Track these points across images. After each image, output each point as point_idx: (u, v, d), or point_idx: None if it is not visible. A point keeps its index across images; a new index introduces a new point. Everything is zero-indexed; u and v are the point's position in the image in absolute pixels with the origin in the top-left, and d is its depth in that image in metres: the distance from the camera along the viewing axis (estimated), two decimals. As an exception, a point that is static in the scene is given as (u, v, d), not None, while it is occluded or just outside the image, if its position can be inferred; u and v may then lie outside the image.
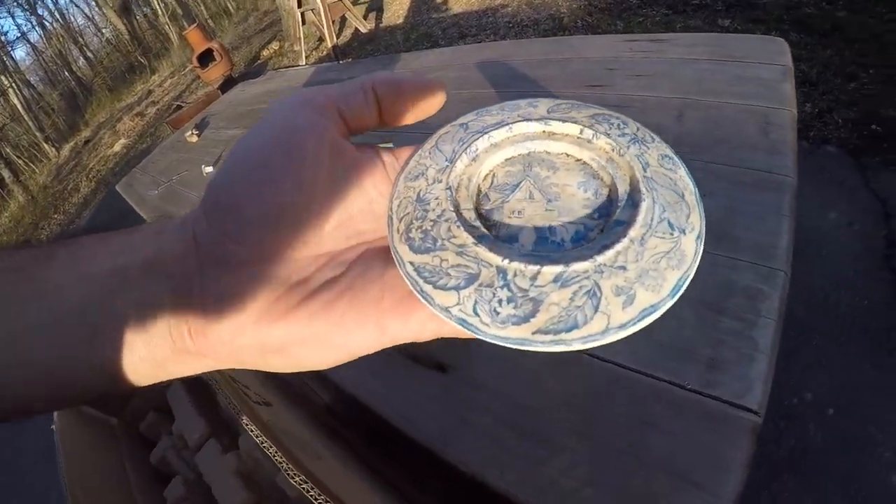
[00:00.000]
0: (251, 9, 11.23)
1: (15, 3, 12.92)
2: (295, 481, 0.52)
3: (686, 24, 3.03)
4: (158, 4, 12.86)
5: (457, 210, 0.22)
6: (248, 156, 0.23)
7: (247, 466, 0.80)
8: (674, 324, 0.67)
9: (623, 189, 0.22)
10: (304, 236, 0.23)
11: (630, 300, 0.18)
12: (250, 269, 0.22)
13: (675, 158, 0.23)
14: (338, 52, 5.00)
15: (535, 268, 0.19)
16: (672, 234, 0.20)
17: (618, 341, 0.18)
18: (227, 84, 4.27)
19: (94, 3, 13.58)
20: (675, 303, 0.19)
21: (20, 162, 11.02)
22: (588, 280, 0.19)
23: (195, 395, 1.01)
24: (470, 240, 0.21)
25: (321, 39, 5.52)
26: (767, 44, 1.12)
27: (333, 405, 0.90)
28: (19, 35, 13.28)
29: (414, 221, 0.22)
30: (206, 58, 5.53)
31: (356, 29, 5.49)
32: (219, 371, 0.75)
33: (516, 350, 0.19)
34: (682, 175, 0.22)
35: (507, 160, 0.25)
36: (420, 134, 0.28)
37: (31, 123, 11.86)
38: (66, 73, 13.48)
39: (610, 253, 0.19)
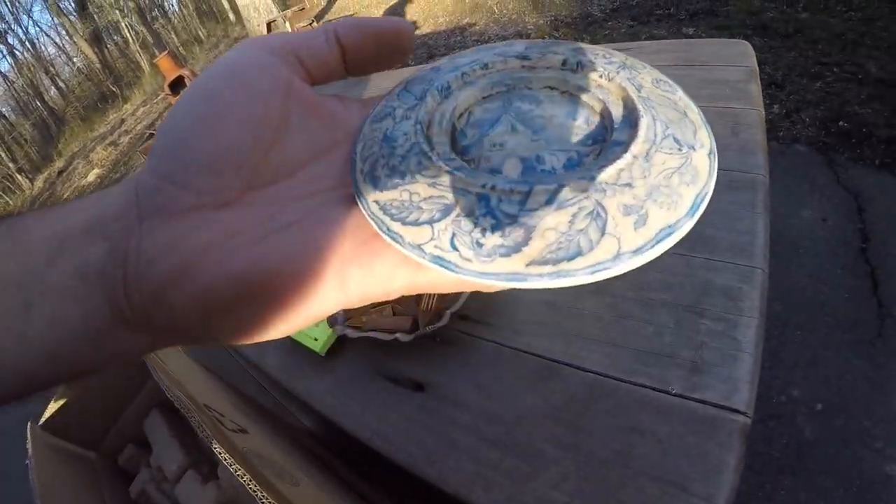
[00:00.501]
0: (222, 36, 11.27)
1: (-17, 34, 12.79)
2: (270, 511, 0.50)
3: (651, 34, 3.09)
4: (129, 33, 12.81)
5: (428, 143, 0.19)
6: (196, 91, 0.21)
7: (227, 495, 0.77)
8: (652, 329, 0.66)
9: (617, 112, 0.19)
10: (249, 181, 0.20)
11: (643, 220, 0.15)
12: (192, 214, 0.19)
13: (671, 81, 0.20)
14: (309, 75, 5.03)
15: (524, 187, 0.16)
16: (680, 150, 0.17)
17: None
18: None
19: (64, 32, 13.48)
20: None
21: (-7, 194, 10.84)
22: (588, 200, 0.16)
23: (172, 424, 0.99)
24: (444, 168, 0.18)
25: (292, 64, 5.54)
26: (731, 47, 1.14)
27: (313, 430, 0.88)
28: (-11, 65, 13.16)
29: (380, 160, 0.20)
30: (177, 85, 5.50)
31: (327, 51, 5.52)
32: (191, 398, 0.72)
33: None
34: (682, 96, 0.20)
35: (484, 97, 0.22)
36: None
37: (3, 154, 11.67)
38: (38, 102, 13.32)
39: (611, 169, 0.16)
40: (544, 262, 0.15)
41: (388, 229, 0.17)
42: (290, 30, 4.87)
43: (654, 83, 0.20)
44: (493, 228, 0.16)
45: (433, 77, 0.22)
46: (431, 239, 0.16)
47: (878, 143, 1.94)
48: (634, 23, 3.29)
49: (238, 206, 0.20)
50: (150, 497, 0.95)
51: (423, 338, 0.76)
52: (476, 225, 0.16)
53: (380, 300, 0.19)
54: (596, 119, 0.19)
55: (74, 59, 14.06)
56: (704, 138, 0.18)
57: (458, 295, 0.80)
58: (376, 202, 0.18)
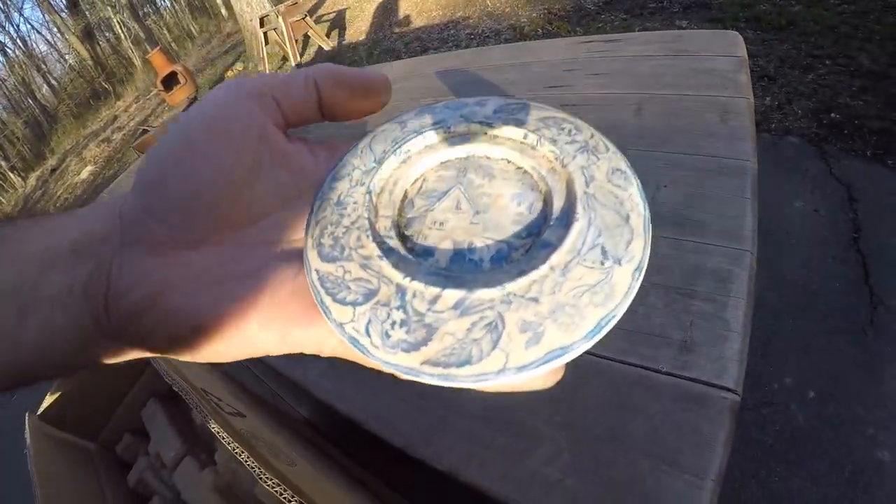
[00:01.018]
0: (214, 31, 11.21)
1: (-26, 32, 12.69)
2: (268, 485, 0.51)
3: (644, 27, 3.10)
4: (121, 29, 12.73)
5: (371, 217, 0.21)
6: (175, 135, 0.22)
7: (225, 480, 0.78)
8: (642, 311, 0.67)
9: (558, 205, 0.19)
10: (218, 222, 0.22)
11: (536, 338, 0.16)
12: (167, 251, 0.22)
13: (629, 173, 0.20)
14: (302, 70, 5.00)
15: (436, 290, 0.18)
16: (603, 264, 0.17)
17: None
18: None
19: (56, 29, 13.39)
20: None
21: (-15, 193, 10.77)
22: (492, 311, 0.17)
23: (170, 412, 0.99)
24: (376, 252, 0.19)
25: (285, 59, 5.51)
26: (721, 37, 1.15)
27: (309, 419, 0.89)
28: (-20, 63, 13.05)
29: (329, 227, 0.21)
30: (170, 81, 5.48)
31: (319, 47, 5.49)
32: (189, 383, 0.73)
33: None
34: (633, 193, 0.19)
35: (441, 164, 0.23)
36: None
37: (-5, 153, 11.61)
38: (30, 100, 13.24)
39: (523, 281, 0.17)
40: (436, 364, 0.16)
41: (321, 301, 0.19)
42: (282, 25, 4.86)
43: (609, 174, 0.20)
44: (402, 324, 0.17)
45: (398, 136, 0.23)
46: (351, 320, 0.18)
47: (870, 134, 1.95)
48: (627, 16, 3.30)
49: (206, 248, 0.22)
50: (148, 484, 0.96)
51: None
52: (388, 316, 0.18)
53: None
54: (539, 206, 0.20)
55: (66, 57, 13.99)
56: (637, 250, 0.18)
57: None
58: (317, 271, 0.20)
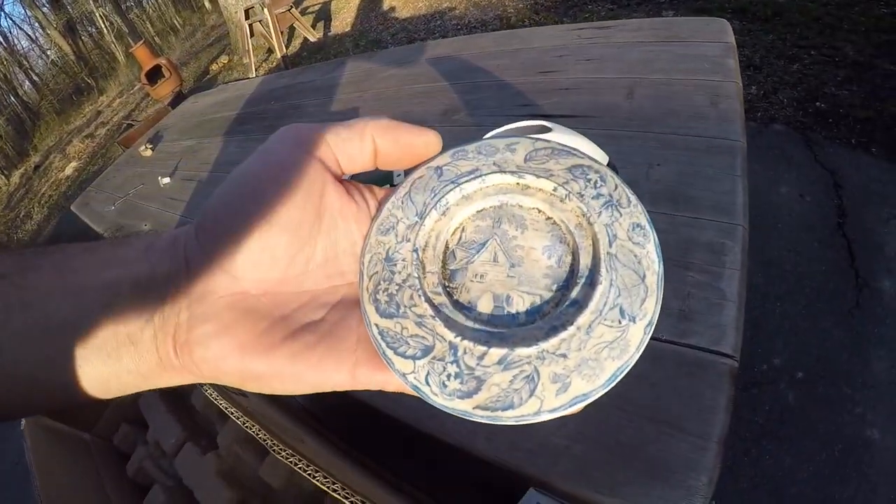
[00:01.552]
0: (198, 24, 11.08)
1: (-47, 28, 12.43)
2: (282, 456, 0.51)
3: (630, 17, 3.11)
4: (104, 23, 12.53)
5: (419, 276, 0.24)
6: (244, 188, 0.24)
7: (227, 464, 0.78)
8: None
9: (585, 263, 0.22)
10: (287, 273, 0.24)
11: (564, 388, 0.20)
12: (237, 298, 0.23)
13: (647, 228, 0.22)
14: (287, 62, 4.96)
15: (483, 348, 0.21)
16: (621, 323, 0.21)
17: None
18: (178, 100, 4.19)
19: (37, 24, 13.14)
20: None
21: (-33, 192, 10.56)
22: (529, 365, 0.20)
23: (168, 400, 0.99)
24: (429, 311, 0.22)
25: (270, 51, 5.47)
26: (710, 24, 1.16)
27: (306, 406, 0.89)
28: (-41, 60, 12.77)
29: (381, 283, 0.24)
30: (154, 75, 5.41)
31: (305, 39, 5.46)
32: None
33: None
34: (650, 251, 0.22)
35: (478, 212, 0.25)
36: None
37: (-24, 152, 11.40)
38: (12, 97, 12.98)
39: (554, 340, 0.20)
40: (485, 409, 0.20)
41: (384, 353, 0.22)
42: (268, 17, 4.81)
43: (630, 231, 0.22)
44: (456, 376, 0.21)
45: (435, 186, 0.25)
46: (413, 371, 0.22)
47: (855, 122, 1.98)
48: (614, 6, 3.31)
49: (274, 298, 0.24)
50: (147, 473, 0.96)
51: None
52: (444, 369, 0.21)
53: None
54: (567, 260, 0.23)
55: (48, 52, 13.74)
56: (650, 307, 0.21)
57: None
58: (377, 326, 0.23)
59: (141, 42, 5.87)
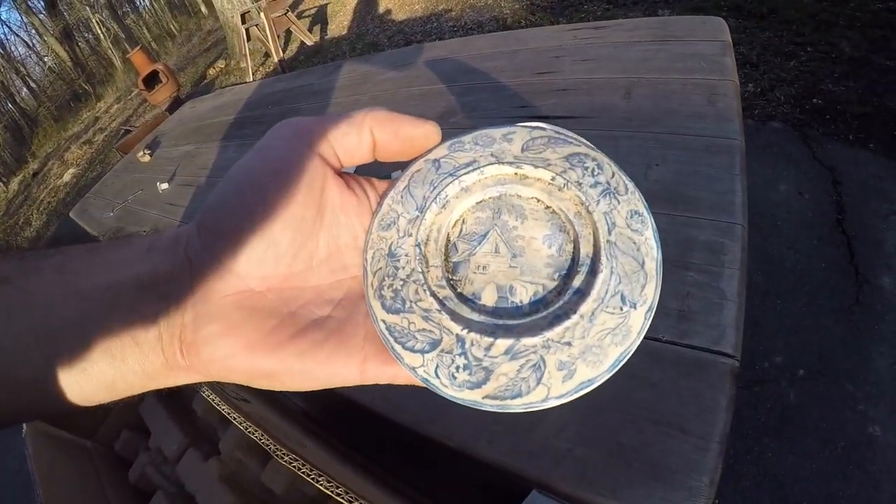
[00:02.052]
0: (195, 29, 11.08)
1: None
2: (285, 461, 0.51)
3: (626, 17, 3.10)
4: (100, 29, 12.53)
5: (423, 270, 0.24)
6: (244, 186, 0.23)
7: (230, 469, 0.78)
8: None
9: (585, 252, 0.23)
10: (291, 269, 0.24)
11: (570, 375, 0.21)
12: (243, 296, 0.23)
13: (645, 215, 0.23)
14: (284, 66, 4.96)
15: (489, 340, 0.22)
16: (622, 309, 0.21)
17: None
18: (175, 105, 4.19)
19: (34, 31, 13.13)
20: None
21: (-34, 199, 10.55)
22: (535, 354, 0.21)
23: (169, 406, 0.99)
24: (434, 305, 0.23)
25: (267, 55, 5.46)
26: (705, 23, 1.16)
27: (306, 410, 0.89)
28: (-44, 68, 12.77)
29: (386, 279, 0.24)
30: (151, 80, 5.41)
31: (302, 42, 5.45)
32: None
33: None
34: (648, 237, 0.22)
35: (477, 204, 0.25)
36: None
37: (-26, 159, 11.39)
38: (10, 104, 12.98)
39: (559, 329, 0.21)
40: (494, 398, 0.21)
41: (392, 348, 0.23)
42: (264, 21, 4.80)
43: (629, 218, 0.23)
44: (464, 368, 0.21)
45: (434, 179, 0.26)
46: (422, 365, 0.22)
47: (852, 119, 1.98)
48: (610, 6, 3.31)
49: (280, 294, 0.24)
50: (150, 479, 0.96)
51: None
52: (453, 362, 0.22)
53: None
54: (568, 249, 0.24)
55: (45, 59, 13.72)
56: (650, 293, 0.22)
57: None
58: (384, 321, 0.23)
59: (138, 48, 5.87)
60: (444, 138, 0.27)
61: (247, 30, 5.15)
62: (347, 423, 0.77)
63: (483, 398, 0.21)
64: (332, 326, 0.24)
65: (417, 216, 0.25)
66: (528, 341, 0.21)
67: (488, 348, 0.21)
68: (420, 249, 0.24)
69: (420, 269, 0.24)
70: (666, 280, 0.22)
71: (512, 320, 0.22)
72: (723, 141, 0.85)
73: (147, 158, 2.18)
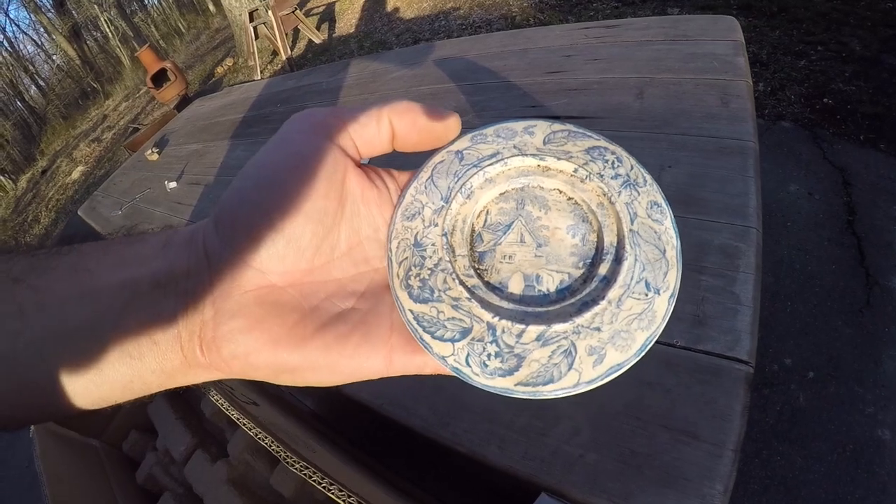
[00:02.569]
0: (203, 27, 11.11)
1: (-41, 34, 12.51)
2: (295, 468, 0.51)
3: (636, 15, 3.09)
4: (109, 28, 12.59)
5: (450, 259, 0.24)
6: (263, 180, 0.23)
7: (238, 472, 0.78)
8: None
9: (609, 241, 0.23)
10: (313, 263, 0.24)
11: (601, 359, 0.21)
12: (265, 292, 0.23)
13: (664, 206, 0.24)
14: (293, 64, 4.97)
15: (521, 326, 0.22)
16: (647, 295, 0.22)
17: None
18: (183, 103, 4.20)
19: (43, 29, 13.21)
20: None
21: (-25, 197, 10.63)
22: (566, 340, 0.21)
23: (177, 408, 0.99)
24: (464, 294, 0.23)
25: (275, 53, 5.47)
26: (717, 22, 1.16)
27: (315, 411, 0.89)
28: (-34, 66, 12.86)
29: (412, 268, 0.24)
30: (160, 78, 5.43)
31: (310, 40, 5.46)
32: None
33: None
34: (668, 227, 0.23)
35: (501, 195, 0.26)
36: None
37: (-16, 156, 11.47)
38: (19, 102, 13.07)
39: (588, 315, 0.21)
40: (526, 385, 0.21)
41: (420, 338, 0.23)
42: (272, 19, 4.81)
43: (649, 209, 0.23)
44: (496, 355, 0.22)
45: (458, 169, 0.26)
46: (452, 354, 0.22)
47: (863, 119, 1.96)
48: (619, 4, 3.30)
49: (302, 289, 0.24)
50: (157, 480, 0.96)
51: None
52: (484, 349, 0.22)
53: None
54: (592, 238, 0.24)
55: (54, 57, 13.82)
56: (672, 280, 0.22)
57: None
58: (411, 311, 0.23)
59: (146, 46, 5.89)
60: (462, 133, 0.27)
61: (255, 28, 5.16)
62: (357, 427, 0.77)
63: (515, 385, 0.21)
64: (356, 319, 0.24)
65: (443, 206, 0.25)
66: (558, 327, 0.21)
67: (520, 335, 0.22)
68: (447, 239, 0.24)
69: (448, 259, 0.24)
70: (681, 282, 0.23)
71: (540, 308, 0.23)
72: (736, 143, 0.84)
73: (155, 157, 2.19)
